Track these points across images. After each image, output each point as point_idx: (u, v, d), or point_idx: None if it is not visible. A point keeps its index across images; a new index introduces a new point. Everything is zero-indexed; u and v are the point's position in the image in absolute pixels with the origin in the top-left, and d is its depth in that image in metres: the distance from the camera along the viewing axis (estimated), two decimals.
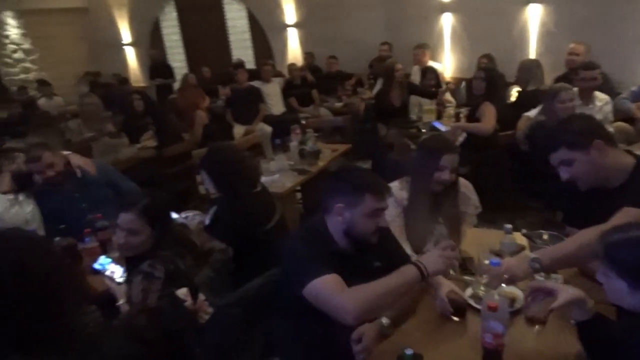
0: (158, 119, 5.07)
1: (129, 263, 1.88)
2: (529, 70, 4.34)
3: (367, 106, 5.32)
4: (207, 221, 2.41)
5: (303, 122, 5.86)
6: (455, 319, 1.69)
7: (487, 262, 1.66)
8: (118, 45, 9.88)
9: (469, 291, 1.78)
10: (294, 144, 4.03)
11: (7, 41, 9.08)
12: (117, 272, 1.91)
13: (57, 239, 2.28)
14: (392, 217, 1.99)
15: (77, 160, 2.75)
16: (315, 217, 1.73)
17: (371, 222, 1.62)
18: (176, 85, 8.29)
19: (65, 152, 2.79)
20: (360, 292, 1.46)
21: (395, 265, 1.56)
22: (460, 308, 1.69)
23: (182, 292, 1.78)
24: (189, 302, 1.79)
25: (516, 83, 4.61)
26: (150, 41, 9.66)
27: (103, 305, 1.59)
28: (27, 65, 9.37)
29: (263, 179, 2.96)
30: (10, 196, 2.53)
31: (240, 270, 2.13)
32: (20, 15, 9.11)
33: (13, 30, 9.12)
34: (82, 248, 2.32)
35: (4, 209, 2.47)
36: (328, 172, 4.15)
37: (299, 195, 4.22)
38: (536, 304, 1.46)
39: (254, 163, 2.91)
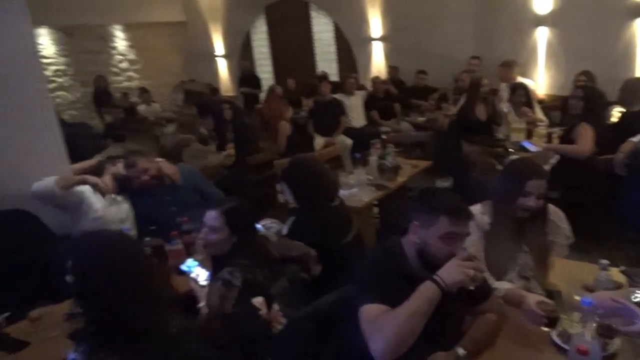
0: (238, 128, 5.28)
1: (215, 268, 1.96)
2: (634, 91, 3.99)
3: (451, 122, 5.18)
4: (284, 231, 2.46)
5: (384, 136, 5.82)
6: (547, 329, 1.60)
7: (577, 298, 1.54)
8: (211, 57, 10.48)
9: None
10: (373, 158, 4.01)
11: (114, 52, 9.95)
12: (201, 275, 2.00)
13: (147, 239, 2.45)
14: (471, 241, 1.91)
15: (167, 169, 2.96)
16: (393, 237, 1.70)
17: (445, 246, 1.57)
18: (262, 96, 8.61)
19: (158, 159, 3.01)
20: (386, 328, 1.44)
21: (462, 290, 1.51)
22: (553, 318, 1.59)
23: (258, 301, 1.83)
24: (263, 311, 1.84)
25: (618, 103, 4.26)
26: (241, 53, 10.15)
27: (185, 306, 1.67)
28: (131, 74, 10.19)
29: (341, 192, 2.97)
30: (111, 196, 2.77)
31: (315, 284, 2.15)
32: (127, 28, 9.96)
33: (120, 42, 9.99)
34: (168, 249, 2.46)
35: (104, 206, 2.71)
36: (407, 189, 4.09)
37: (376, 210, 4.18)
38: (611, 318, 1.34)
39: (333, 177, 2.93)
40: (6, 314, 1.97)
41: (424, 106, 6.70)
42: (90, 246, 1.41)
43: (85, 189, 2.67)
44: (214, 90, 8.96)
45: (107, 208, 2.72)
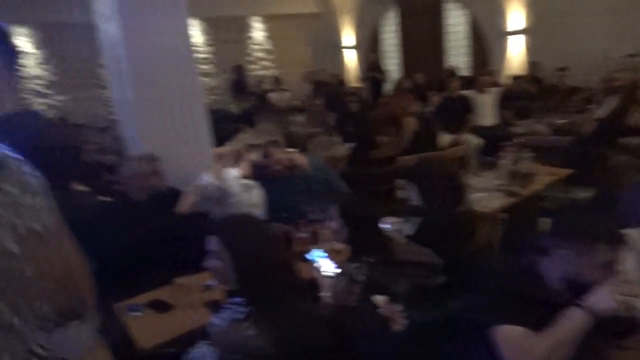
0: (362, 120, 5.31)
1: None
2: None
3: (598, 127, 4.67)
4: (410, 231, 2.43)
5: (518, 138, 5.45)
6: None
7: None
8: (339, 48, 10.66)
9: None
10: (505, 162, 3.77)
11: (250, 42, 10.60)
12: (326, 266, 2.06)
13: (276, 224, 2.59)
14: (628, 267, 1.71)
15: (299, 159, 3.09)
16: (529, 254, 1.60)
17: (596, 272, 1.42)
18: (387, 88, 8.57)
19: (290, 149, 3.16)
20: (535, 354, 1.35)
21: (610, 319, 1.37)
22: None
23: (380, 299, 1.85)
24: (385, 309, 1.85)
25: None
26: (369, 45, 10.18)
27: (307, 291, 1.76)
28: (266, 63, 10.79)
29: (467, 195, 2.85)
30: (247, 181, 2.97)
31: (438, 290, 2.10)
32: (265, 19, 10.54)
33: (258, 32, 10.60)
34: (296, 236, 2.58)
35: (240, 191, 2.92)
36: (541, 197, 3.79)
37: (503, 216, 3.94)
38: None
39: (462, 180, 2.82)
40: None
41: (565, 107, 6.13)
42: (238, 228, 1.61)
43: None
44: (341, 81, 9.12)
45: (242, 193, 2.93)
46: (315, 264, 2.13)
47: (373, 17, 10.02)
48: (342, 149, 5.01)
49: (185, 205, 2.68)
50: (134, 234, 2.38)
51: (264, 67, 10.76)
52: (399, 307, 1.91)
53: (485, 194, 3.43)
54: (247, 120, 5.77)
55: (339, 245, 2.37)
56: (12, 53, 1.34)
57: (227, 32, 10.01)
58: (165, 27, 2.78)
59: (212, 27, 9.85)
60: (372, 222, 2.11)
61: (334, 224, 2.03)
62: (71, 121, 6.71)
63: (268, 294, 1.49)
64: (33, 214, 0.80)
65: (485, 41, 8.10)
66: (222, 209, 2.82)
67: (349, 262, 1.95)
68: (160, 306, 2.15)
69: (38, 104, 8.36)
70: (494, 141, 4.72)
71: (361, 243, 1.98)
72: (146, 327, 2.01)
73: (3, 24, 1.46)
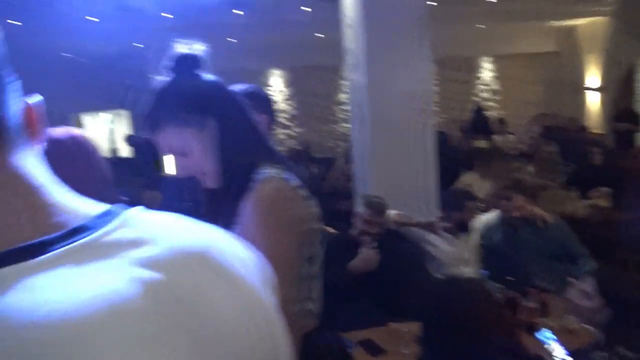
0: (616, 174, 4.55)
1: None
2: None
3: None
4: None
5: None
6: None
7: None
8: (580, 89, 9.56)
9: None
10: None
11: (478, 82, 10.34)
12: (557, 351, 1.80)
13: (499, 286, 2.37)
14: None
15: (541, 214, 2.80)
16: None
17: None
18: None
19: (522, 198, 2.89)
20: None
21: None
22: None
23: None
24: None
25: None
26: (620, 87, 8.87)
27: None
28: (491, 103, 10.38)
29: None
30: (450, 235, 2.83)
31: None
32: (495, 59, 10.17)
33: (486, 72, 10.29)
34: (523, 304, 2.32)
35: (445, 245, 2.78)
36: None
37: None
38: None
39: None
40: None
41: None
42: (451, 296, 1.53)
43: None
44: (582, 127, 8.13)
45: (446, 247, 2.78)
46: (545, 346, 1.88)
47: (626, 56, 8.71)
48: (580, 205, 4.39)
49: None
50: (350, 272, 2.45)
51: (490, 108, 10.36)
52: None
53: None
54: (469, 161, 5.59)
55: (573, 325, 2.06)
56: (272, 112, 1.73)
57: (453, 72, 9.99)
58: (409, 73, 2.89)
59: (440, 67, 9.97)
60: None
61: (587, 302, 1.74)
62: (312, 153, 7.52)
63: None
64: None
65: None
66: (435, 262, 2.74)
67: (594, 350, 1.66)
68: (371, 347, 2.17)
69: (281, 134, 9.65)
70: None
71: (621, 330, 1.65)
72: None
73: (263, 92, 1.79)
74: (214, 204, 1.12)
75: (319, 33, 8.38)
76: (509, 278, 2.39)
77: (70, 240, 0.38)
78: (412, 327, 2.14)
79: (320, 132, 9.34)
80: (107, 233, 0.41)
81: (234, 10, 6.72)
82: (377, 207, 2.60)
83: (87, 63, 7.37)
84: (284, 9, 6.82)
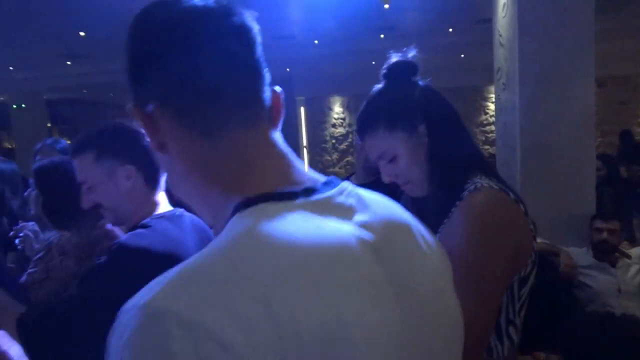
0: None
1: None
2: None
3: None
4: None
5: None
6: None
7: None
8: None
9: None
10: None
11: None
12: None
13: None
14: None
15: None
16: None
17: None
18: None
19: None
20: None
21: None
22: None
23: None
24: None
25: None
26: None
27: None
28: None
29: None
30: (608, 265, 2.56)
31: None
32: None
33: None
34: None
35: (601, 275, 2.51)
36: None
37: None
38: None
39: None
40: None
41: None
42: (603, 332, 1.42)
43: None
44: None
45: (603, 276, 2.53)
46: None
47: None
48: None
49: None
50: None
51: None
52: None
53: None
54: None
55: None
56: None
57: (616, 92, 9.00)
58: (569, 93, 2.71)
59: (598, 87, 9.07)
60: None
61: None
62: None
63: None
64: None
65: None
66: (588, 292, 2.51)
67: None
68: None
69: None
70: None
71: None
72: None
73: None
74: (417, 213, 1.12)
75: (463, 54, 8.24)
76: None
77: (307, 195, 0.51)
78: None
79: None
80: (331, 196, 0.52)
81: (381, 36, 6.96)
82: None
83: None
84: (430, 31, 6.88)
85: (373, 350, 0.44)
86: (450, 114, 1.08)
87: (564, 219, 2.80)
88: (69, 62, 7.95)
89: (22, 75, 8.62)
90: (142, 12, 0.54)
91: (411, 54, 1.08)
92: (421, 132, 1.04)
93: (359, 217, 0.52)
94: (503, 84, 3.05)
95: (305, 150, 10.25)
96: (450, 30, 6.94)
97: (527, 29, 2.68)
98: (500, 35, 3.06)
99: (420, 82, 1.09)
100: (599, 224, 2.61)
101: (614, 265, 2.57)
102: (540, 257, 2.56)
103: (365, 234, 0.50)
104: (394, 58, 1.08)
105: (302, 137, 10.32)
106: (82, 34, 6.03)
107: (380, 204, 0.57)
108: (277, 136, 0.57)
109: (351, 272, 0.46)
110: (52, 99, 10.62)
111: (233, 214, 0.49)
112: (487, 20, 3.46)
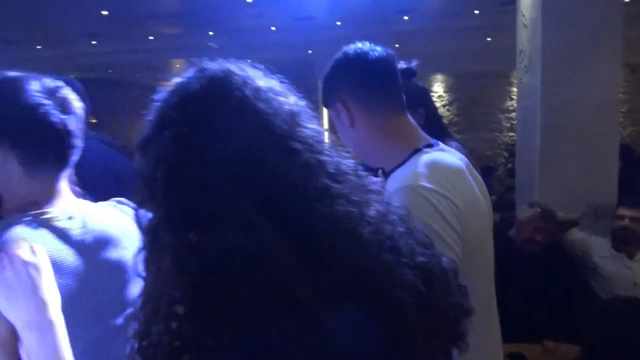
0: None
1: None
2: None
3: None
4: None
5: None
6: None
7: None
8: None
9: None
10: None
11: None
12: None
13: None
14: None
15: None
16: None
17: None
18: None
19: None
20: None
21: None
22: None
23: None
24: None
25: None
26: None
27: None
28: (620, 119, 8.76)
29: None
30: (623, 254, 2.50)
31: None
32: None
33: None
34: None
35: (616, 264, 2.45)
36: None
37: None
38: None
39: None
40: None
41: None
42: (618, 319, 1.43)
43: None
44: None
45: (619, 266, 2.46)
46: None
47: None
48: None
49: None
50: (520, 284, 2.33)
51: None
52: None
53: None
54: None
55: None
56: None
57: None
58: (593, 77, 2.63)
59: (631, 73, 8.75)
60: None
61: None
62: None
63: None
64: None
65: None
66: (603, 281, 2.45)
67: None
68: None
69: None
70: None
71: None
72: None
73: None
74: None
75: (489, 38, 8.04)
76: None
77: (432, 147, 1.07)
78: (570, 348, 1.98)
79: (481, 140, 8.93)
80: (443, 147, 1.11)
81: (405, 17, 6.83)
82: (547, 214, 2.44)
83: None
84: (454, 14, 6.72)
85: (483, 219, 1.05)
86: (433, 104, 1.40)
87: (583, 206, 2.73)
88: (94, 42, 8.05)
89: (49, 53, 8.77)
90: (356, 53, 1.10)
91: (414, 62, 1.24)
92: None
93: (459, 155, 1.11)
94: (525, 66, 2.96)
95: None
96: (476, 12, 6.76)
97: (551, 9, 2.58)
98: (524, 16, 2.97)
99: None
100: (623, 210, 2.53)
101: (631, 258, 2.50)
102: (553, 248, 2.52)
103: (464, 160, 1.10)
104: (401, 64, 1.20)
105: (322, 119, 10.32)
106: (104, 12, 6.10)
107: (455, 156, 1.10)
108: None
109: (468, 178, 1.05)
110: (78, 78, 10.76)
111: (411, 155, 1.02)
112: (513, 2, 3.35)
